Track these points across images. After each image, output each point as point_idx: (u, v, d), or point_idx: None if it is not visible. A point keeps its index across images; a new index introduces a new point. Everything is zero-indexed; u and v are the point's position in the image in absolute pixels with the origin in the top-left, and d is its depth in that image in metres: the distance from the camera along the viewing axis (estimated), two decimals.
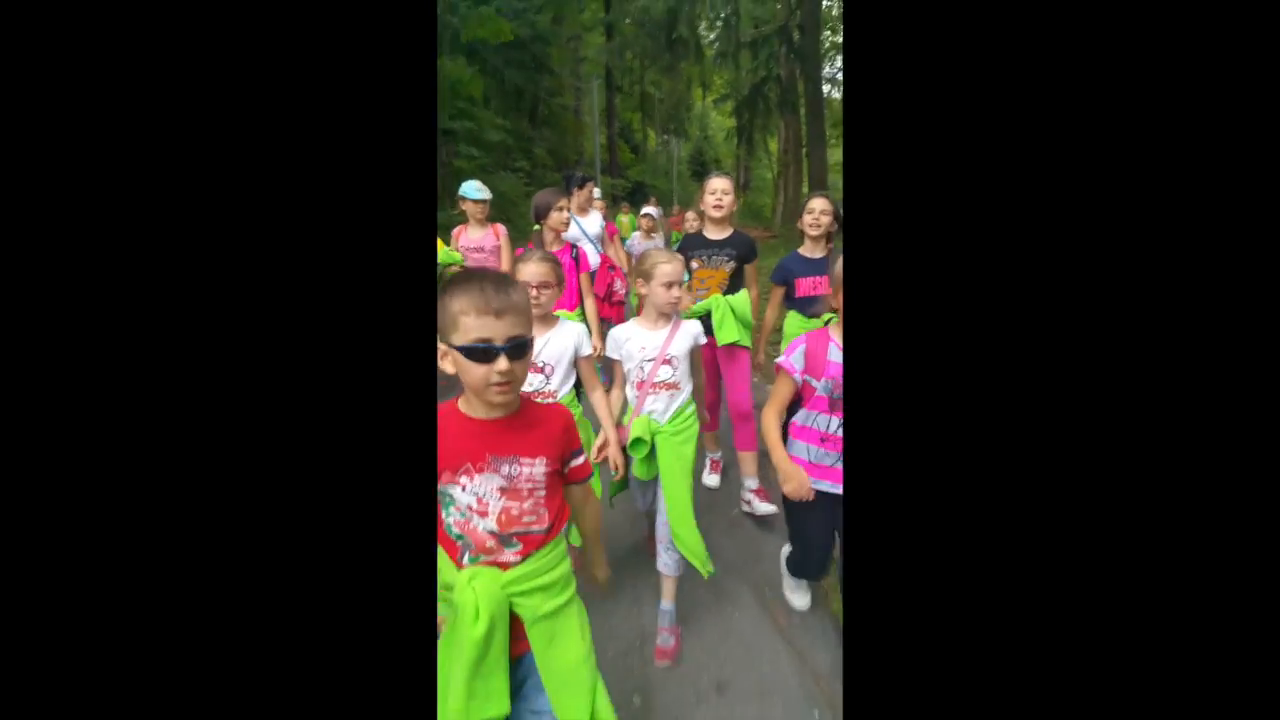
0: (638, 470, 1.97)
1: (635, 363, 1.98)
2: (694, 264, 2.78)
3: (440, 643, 1.07)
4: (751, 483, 2.78)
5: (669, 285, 1.93)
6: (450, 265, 3.60)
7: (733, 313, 2.62)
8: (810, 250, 2.75)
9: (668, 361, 1.96)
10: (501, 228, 3.82)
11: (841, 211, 2.74)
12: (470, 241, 3.74)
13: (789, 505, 1.81)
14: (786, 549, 2.15)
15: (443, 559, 1.11)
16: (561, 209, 2.93)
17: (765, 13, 16.15)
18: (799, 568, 2.00)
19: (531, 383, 1.93)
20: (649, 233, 5.45)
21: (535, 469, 1.11)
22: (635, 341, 1.98)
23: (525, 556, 1.09)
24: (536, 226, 2.96)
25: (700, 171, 24.20)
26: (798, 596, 2.15)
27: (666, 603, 2.00)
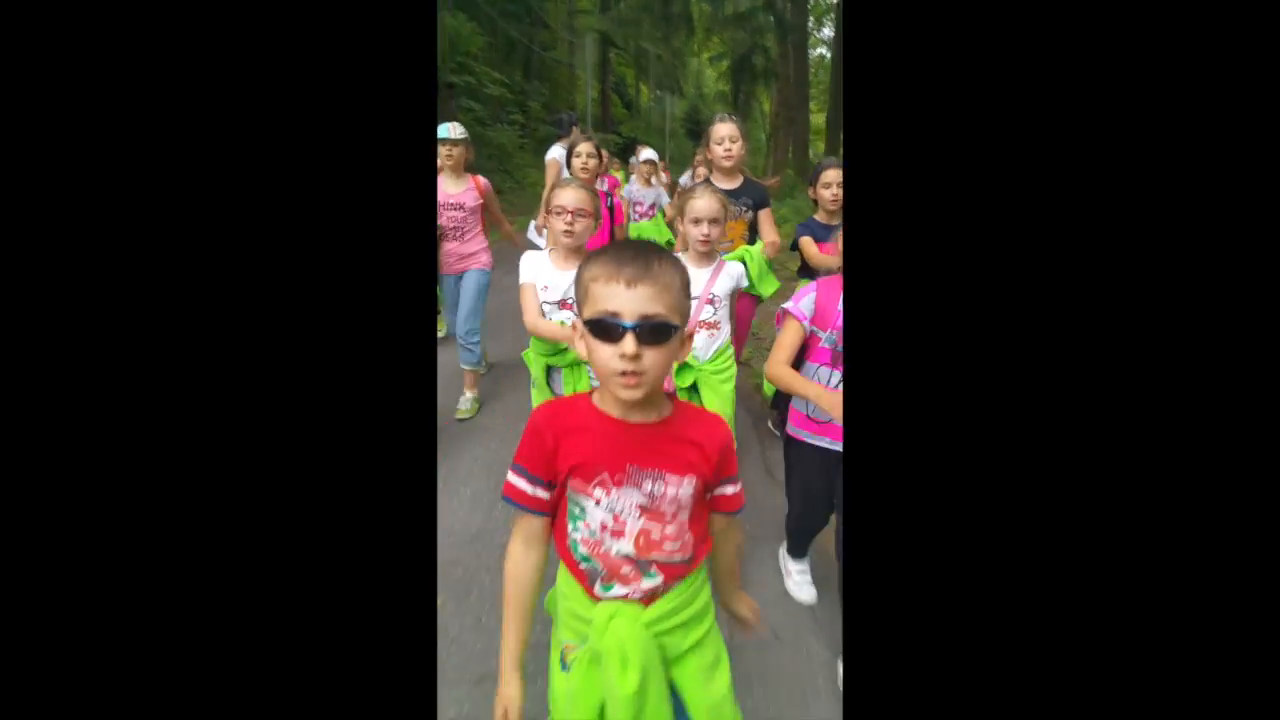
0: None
1: None
2: None
3: (574, 673, 0.94)
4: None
5: (696, 222, 1.94)
6: None
7: (767, 263, 2.50)
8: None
9: (710, 301, 1.98)
10: (483, 180, 3.23)
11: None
12: (446, 195, 3.09)
13: (790, 461, 1.84)
14: (784, 551, 2.12)
15: (570, 584, 0.98)
16: (580, 154, 2.97)
17: None
18: (798, 520, 1.92)
19: (561, 316, 1.92)
20: (648, 179, 4.87)
21: (682, 490, 0.94)
22: None
23: (666, 587, 0.95)
24: (568, 176, 2.98)
25: (695, 130, 24.38)
26: (803, 589, 2.03)
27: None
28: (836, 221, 2.63)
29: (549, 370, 2.01)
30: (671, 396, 1.01)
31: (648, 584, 0.94)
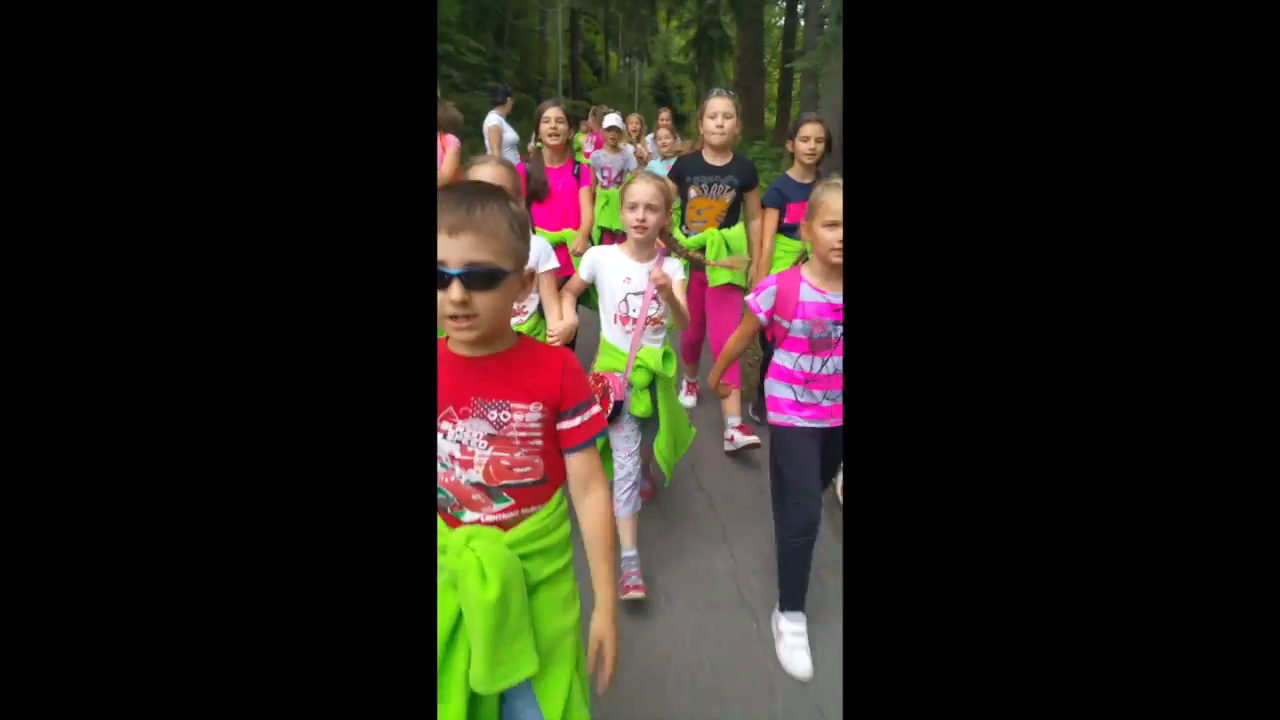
0: (636, 408, 1.93)
1: (616, 294, 1.92)
2: (691, 191, 2.63)
3: (440, 604, 0.96)
4: (734, 420, 2.74)
5: (632, 207, 1.86)
6: None
7: (728, 250, 2.55)
8: (801, 175, 2.68)
9: (655, 296, 1.90)
10: (453, 139, 3.14)
11: (830, 137, 2.70)
12: None
13: (776, 448, 1.77)
14: (776, 611, 1.87)
15: None
16: (548, 119, 2.82)
17: None
18: (785, 494, 1.76)
19: None
20: (614, 146, 4.55)
21: (529, 416, 0.97)
22: (618, 271, 1.91)
23: (519, 511, 0.99)
24: (536, 144, 2.94)
25: (662, 97, 25.10)
26: (796, 656, 1.75)
27: (629, 549, 1.96)
28: (810, 179, 2.66)
29: None
30: (521, 336, 1.03)
31: (499, 507, 0.98)
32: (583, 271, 1.99)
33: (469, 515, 0.99)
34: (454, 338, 0.96)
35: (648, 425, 2.01)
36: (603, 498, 1.06)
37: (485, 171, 1.90)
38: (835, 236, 1.57)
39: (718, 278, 2.59)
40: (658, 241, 1.97)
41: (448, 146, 3.07)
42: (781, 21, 20.38)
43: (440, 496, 1.00)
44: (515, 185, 2.00)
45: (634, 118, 6.30)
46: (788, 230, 2.67)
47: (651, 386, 1.95)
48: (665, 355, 1.96)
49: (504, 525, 0.99)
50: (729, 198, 2.64)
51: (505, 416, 0.97)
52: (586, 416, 1.02)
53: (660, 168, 4.13)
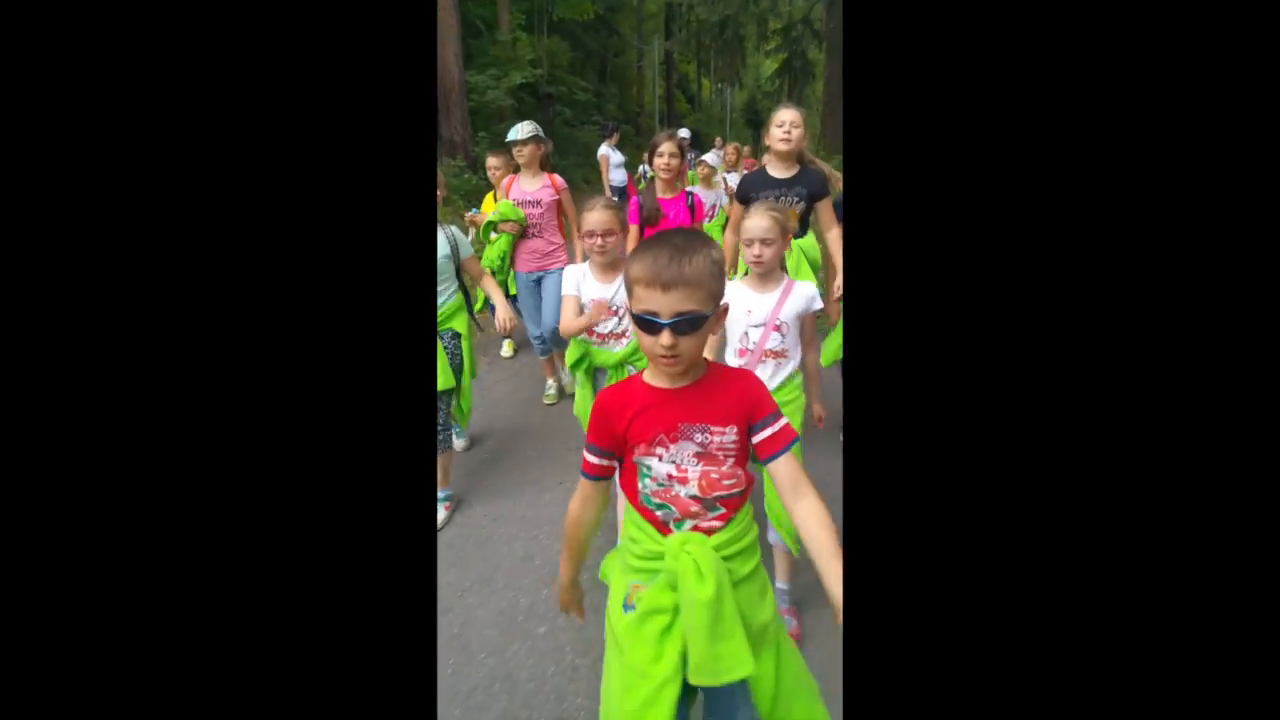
0: None
1: (738, 327, 1.89)
2: None
3: (645, 598, 1.08)
4: None
5: (748, 243, 1.85)
6: (507, 220, 3.24)
7: (807, 261, 2.43)
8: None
9: (778, 328, 1.86)
10: (559, 178, 3.34)
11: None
12: (522, 193, 3.29)
13: None
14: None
15: (644, 529, 1.14)
16: (662, 153, 2.86)
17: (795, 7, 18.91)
18: None
19: (607, 324, 2.07)
20: (708, 180, 4.80)
21: (726, 437, 1.10)
22: (740, 303, 1.86)
23: (727, 521, 1.12)
24: (649, 173, 3.01)
25: (755, 120, 26.29)
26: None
27: (782, 582, 1.96)
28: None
29: (596, 373, 2.22)
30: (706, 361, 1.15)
31: (713, 515, 1.11)
32: None
33: (687, 524, 1.12)
34: (665, 372, 1.09)
35: None
36: (815, 498, 1.06)
37: (596, 216, 2.10)
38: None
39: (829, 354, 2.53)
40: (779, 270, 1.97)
41: (559, 187, 3.31)
42: None
43: (661, 511, 1.13)
44: (622, 221, 2.18)
45: (731, 146, 6.47)
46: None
47: None
48: (790, 404, 1.86)
49: (709, 531, 1.11)
50: (799, 208, 2.60)
51: (707, 438, 1.09)
52: (777, 427, 1.11)
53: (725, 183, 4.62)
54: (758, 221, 1.84)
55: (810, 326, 1.93)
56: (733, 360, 1.91)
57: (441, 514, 2.55)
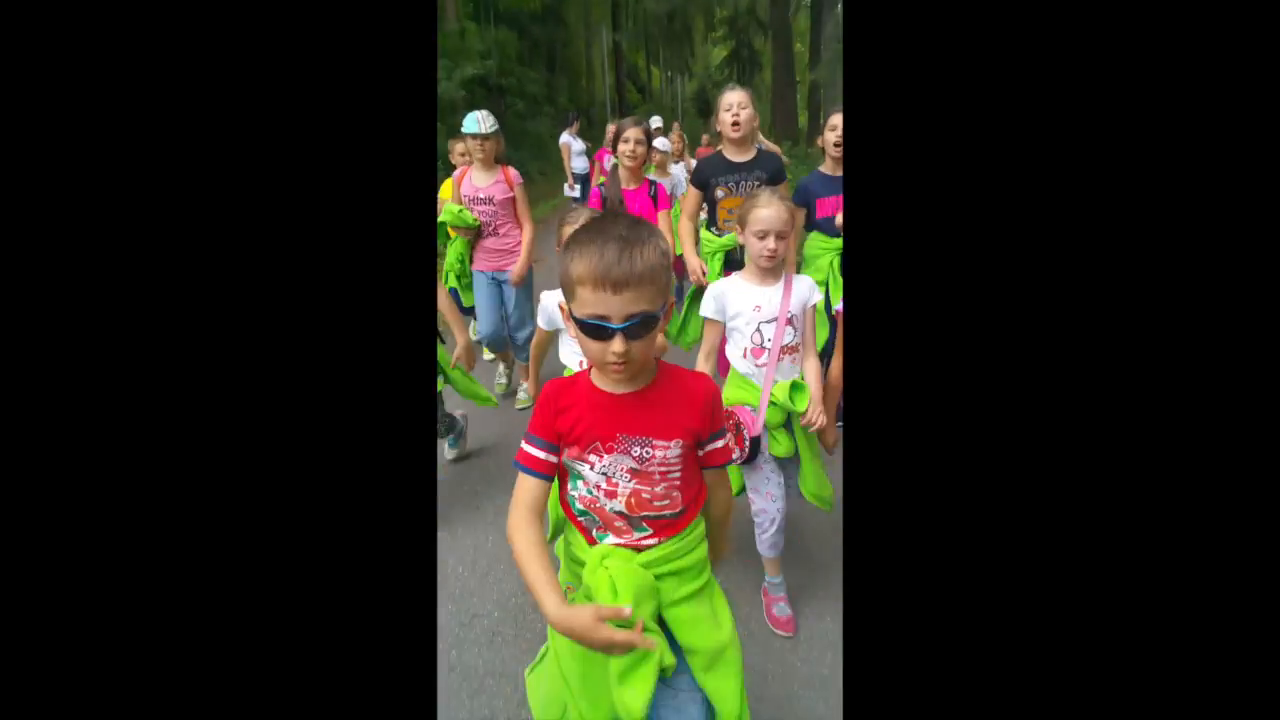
0: (775, 448, 1.80)
1: (748, 324, 1.77)
2: (719, 193, 2.59)
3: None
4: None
5: (761, 236, 1.72)
6: (460, 226, 3.06)
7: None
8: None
9: (789, 321, 1.76)
10: (514, 172, 3.13)
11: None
12: (474, 189, 3.08)
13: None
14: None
15: (571, 530, 1.10)
16: (628, 140, 2.77)
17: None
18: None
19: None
20: (661, 167, 4.67)
21: (669, 453, 1.01)
22: (745, 299, 1.77)
23: (658, 540, 1.04)
24: (614, 162, 2.97)
25: (705, 110, 26.52)
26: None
27: (774, 575, 1.93)
28: (840, 172, 2.61)
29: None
30: (657, 360, 1.06)
31: (638, 535, 1.04)
32: (707, 310, 1.83)
33: (610, 539, 1.05)
34: (614, 379, 1.00)
35: (786, 465, 1.89)
36: (728, 498, 1.17)
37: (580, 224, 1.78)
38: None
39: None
40: (788, 266, 1.88)
41: (515, 182, 3.11)
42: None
43: (584, 518, 1.07)
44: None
45: (675, 134, 5.95)
46: (823, 226, 2.66)
47: (788, 423, 1.82)
48: (794, 386, 1.77)
49: (638, 548, 1.04)
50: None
51: (647, 453, 1.01)
52: (719, 445, 1.09)
53: (679, 171, 4.57)
54: (773, 212, 1.72)
55: (811, 323, 1.84)
56: (743, 363, 1.80)
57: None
